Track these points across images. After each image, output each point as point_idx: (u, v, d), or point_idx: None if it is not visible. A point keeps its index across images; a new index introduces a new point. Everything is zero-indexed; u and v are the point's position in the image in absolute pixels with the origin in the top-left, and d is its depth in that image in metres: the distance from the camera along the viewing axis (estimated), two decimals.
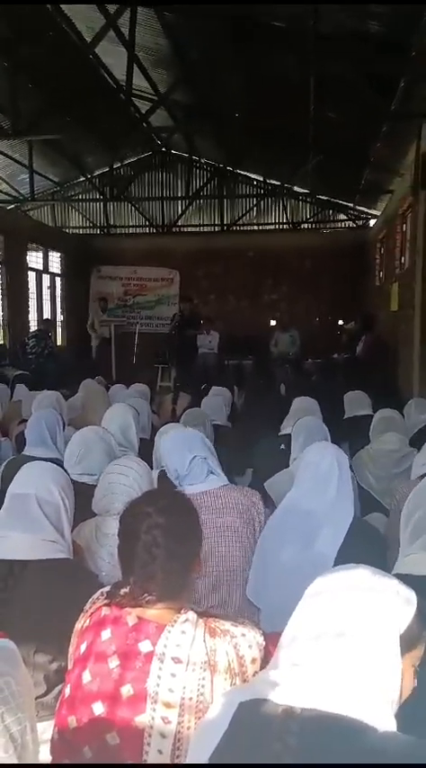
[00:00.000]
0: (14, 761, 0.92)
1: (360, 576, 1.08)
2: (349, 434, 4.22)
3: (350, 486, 2.32)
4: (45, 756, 1.42)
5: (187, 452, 2.50)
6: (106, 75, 9.89)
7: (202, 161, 13.38)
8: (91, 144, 11.62)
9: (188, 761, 1.12)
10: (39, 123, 8.54)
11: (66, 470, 2.29)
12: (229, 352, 12.27)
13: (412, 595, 1.08)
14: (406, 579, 1.66)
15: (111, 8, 6.99)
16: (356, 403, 4.79)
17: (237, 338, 12.71)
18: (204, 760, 1.02)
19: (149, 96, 9.78)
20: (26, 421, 4.04)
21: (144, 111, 9.73)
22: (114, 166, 12.18)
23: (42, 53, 8.37)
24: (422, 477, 2.43)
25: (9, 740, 0.94)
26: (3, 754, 0.93)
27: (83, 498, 2.09)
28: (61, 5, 7.85)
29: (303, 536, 2.15)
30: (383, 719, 0.99)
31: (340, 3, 5.40)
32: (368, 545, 2.16)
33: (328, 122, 8.60)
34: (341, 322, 12.14)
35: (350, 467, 3.07)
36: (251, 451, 4.11)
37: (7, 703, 0.95)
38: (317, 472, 2.29)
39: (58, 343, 12.77)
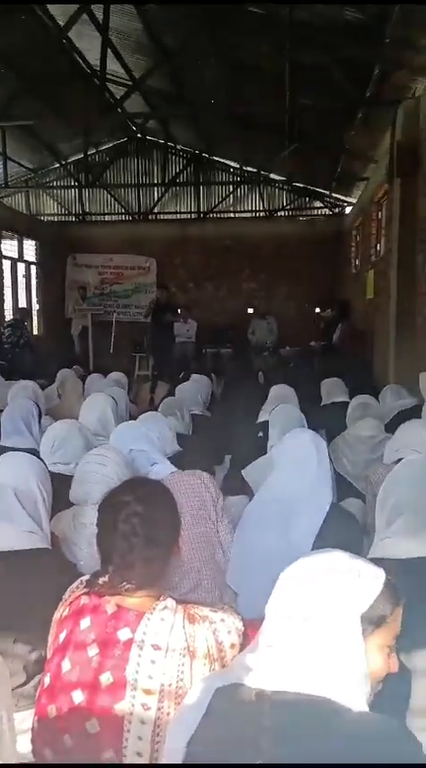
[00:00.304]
0: None
1: (327, 559, 1.11)
2: (326, 421, 4.24)
3: (328, 471, 2.35)
4: (25, 746, 1.43)
5: (124, 445, 2.56)
6: (80, 60, 9.75)
7: (178, 147, 13.28)
8: (65, 130, 11.44)
9: (166, 747, 1.13)
10: (13, 109, 8.41)
11: (42, 460, 2.27)
12: (207, 340, 12.27)
13: (378, 574, 1.10)
14: (381, 562, 1.70)
15: None
16: (333, 390, 4.82)
17: (215, 326, 12.73)
18: (182, 745, 1.04)
19: (124, 82, 9.67)
20: (2, 411, 4.01)
21: (119, 97, 9.61)
22: (89, 153, 12.03)
23: (15, 37, 8.21)
24: (397, 461, 2.46)
25: None
26: None
27: (59, 488, 2.08)
28: None
29: (281, 522, 2.17)
30: (353, 699, 1.02)
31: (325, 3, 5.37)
32: (345, 530, 2.18)
33: (304, 109, 8.58)
34: (318, 310, 12.20)
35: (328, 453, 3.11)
36: (229, 439, 4.13)
37: None
38: (295, 458, 2.31)
39: (35, 332, 12.64)
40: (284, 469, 2.33)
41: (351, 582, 1.07)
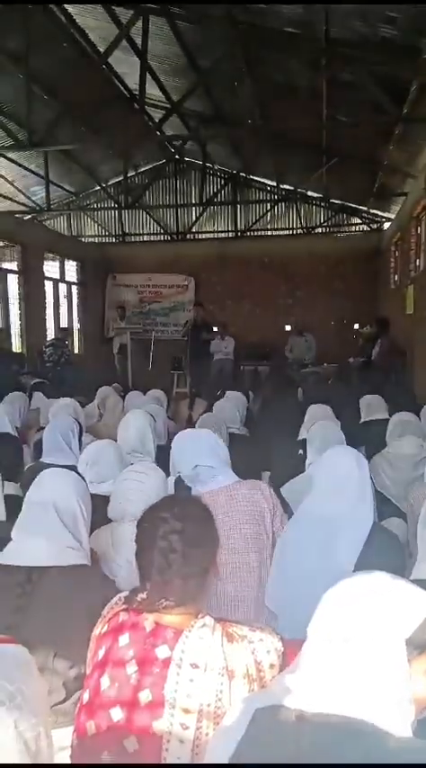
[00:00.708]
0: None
1: (372, 581, 1.09)
2: (365, 439, 4.19)
3: (370, 490, 2.30)
4: (64, 763, 1.43)
5: (190, 460, 2.53)
6: (119, 85, 9.99)
7: (216, 168, 13.43)
8: (105, 153, 11.72)
9: (205, 766, 1.12)
10: (55, 134, 8.63)
11: (83, 477, 2.30)
12: (245, 357, 12.27)
13: (424, 598, 1.08)
14: (424, 584, 1.66)
15: (124, 17, 7.07)
16: (372, 407, 4.76)
17: (253, 343, 12.72)
18: (222, 765, 1.03)
19: (162, 104, 9.85)
20: (44, 428, 4.08)
21: (157, 120, 9.80)
22: (128, 175, 12.26)
23: (56, 64, 8.47)
24: None
25: (24, 747, 0.94)
26: (17, 760, 0.93)
27: (95, 510, 2.10)
28: (75, 17, 7.95)
29: (321, 542, 2.13)
30: (396, 724, 0.99)
31: (350, 3, 5.38)
32: (387, 551, 2.14)
33: (340, 126, 8.60)
34: (357, 326, 12.10)
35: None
36: (267, 456, 4.10)
37: (20, 710, 0.95)
38: (335, 476, 2.27)
39: (75, 350, 12.86)
40: (324, 488, 2.29)
41: (397, 604, 1.05)
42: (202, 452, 2.52)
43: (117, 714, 1.32)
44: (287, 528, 2.31)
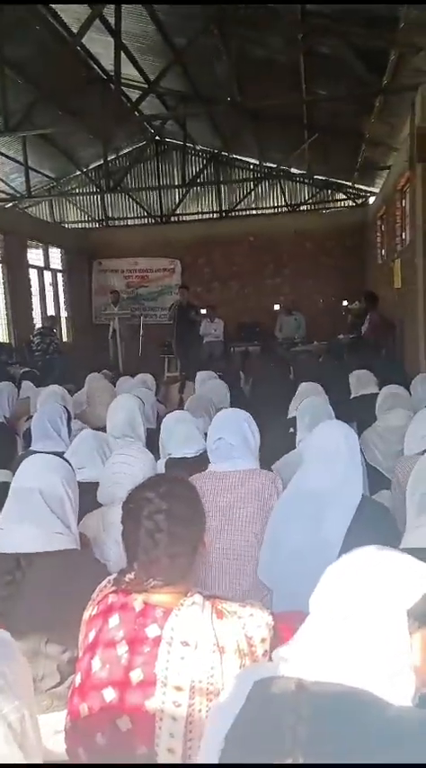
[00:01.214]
0: (16, 751, 0.92)
1: (373, 555, 1.09)
2: (356, 413, 4.19)
3: (359, 463, 2.30)
4: (59, 746, 1.43)
5: (217, 432, 2.56)
6: (95, 66, 9.84)
7: (197, 148, 13.30)
8: (84, 136, 11.57)
9: (203, 741, 1.12)
10: (32, 118, 8.51)
11: (69, 463, 2.28)
12: (235, 338, 12.26)
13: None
14: (414, 552, 1.66)
15: None
16: (362, 382, 4.76)
17: (242, 324, 12.70)
18: (221, 737, 1.03)
19: (139, 84, 9.71)
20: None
21: (135, 100, 9.67)
22: (109, 158, 12.12)
23: (30, 47, 8.32)
24: (423, 452, 2.42)
25: (8, 729, 0.94)
26: (3, 743, 0.93)
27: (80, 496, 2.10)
28: None
29: (311, 516, 2.14)
30: (397, 695, 1.00)
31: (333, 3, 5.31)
32: (377, 523, 2.14)
33: (320, 100, 8.52)
34: (345, 302, 12.09)
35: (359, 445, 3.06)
36: (260, 436, 4.10)
37: (3, 692, 0.95)
38: (325, 451, 2.27)
39: (64, 338, 12.79)
40: (313, 462, 2.29)
41: (398, 577, 1.05)
42: (229, 428, 2.54)
43: (109, 695, 1.32)
44: (277, 503, 2.32)
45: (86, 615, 1.48)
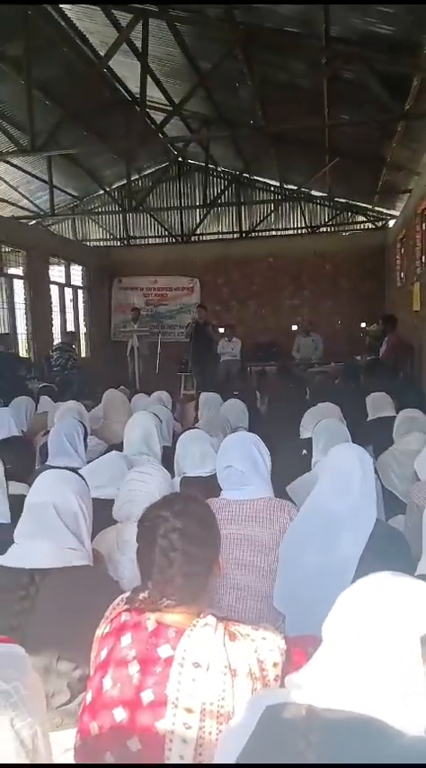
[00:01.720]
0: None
1: (387, 581, 1.08)
2: (373, 436, 4.17)
3: (373, 487, 2.28)
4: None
5: (226, 459, 2.52)
6: (121, 88, 10.02)
7: (219, 169, 13.44)
8: (108, 157, 11.75)
9: (215, 762, 1.12)
10: (57, 138, 8.66)
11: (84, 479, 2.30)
12: (252, 358, 12.27)
13: None
14: None
15: (123, 21, 7.08)
16: (379, 404, 4.73)
17: (260, 344, 12.71)
18: (231, 761, 1.03)
19: (164, 107, 9.87)
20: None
21: (159, 122, 9.82)
22: (132, 178, 12.29)
23: (57, 69, 8.50)
24: None
25: (20, 745, 0.94)
26: (14, 759, 0.92)
27: (97, 512, 2.10)
28: (75, 22, 7.98)
29: (325, 540, 2.12)
30: (408, 723, 0.98)
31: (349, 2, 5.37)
32: (391, 548, 2.12)
33: (343, 125, 8.59)
34: (363, 324, 12.06)
35: (375, 469, 3.04)
36: (274, 456, 4.08)
37: (16, 708, 0.95)
38: (339, 474, 2.26)
39: (82, 354, 12.89)
40: (327, 485, 2.28)
41: (413, 603, 1.04)
42: (238, 455, 2.49)
43: (120, 714, 1.32)
44: (291, 526, 2.30)
45: (99, 633, 1.48)
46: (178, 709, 1.29)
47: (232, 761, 1.03)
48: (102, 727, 1.32)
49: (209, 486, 2.99)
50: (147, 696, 1.31)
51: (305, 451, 3.62)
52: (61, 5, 7.56)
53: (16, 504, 2.20)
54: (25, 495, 2.40)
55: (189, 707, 1.29)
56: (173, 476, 3.07)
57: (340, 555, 2.03)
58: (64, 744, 1.53)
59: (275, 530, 2.35)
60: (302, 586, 2.07)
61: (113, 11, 7.16)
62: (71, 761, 1.41)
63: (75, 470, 2.43)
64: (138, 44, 7.12)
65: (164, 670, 1.32)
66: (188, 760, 1.26)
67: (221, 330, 11.78)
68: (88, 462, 3.56)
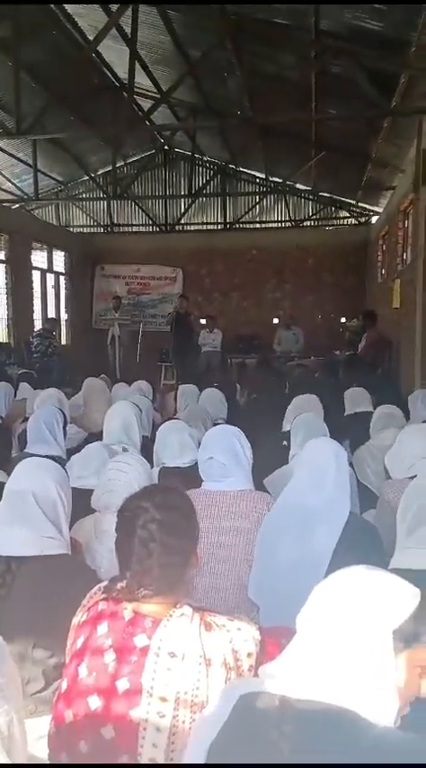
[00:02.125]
0: (3, 754, 0.93)
1: (361, 575, 1.10)
2: (350, 431, 4.22)
3: (347, 481, 2.32)
4: (42, 751, 1.44)
5: (207, 451, 2.54)
6: (109, 74, 9.92)
7: (205, 159, 13.38)
8: (94, 142, 11.64)
9: (187, 752, 1.14)
10: (43, 122, 8.54)
11: (65, 469, 2.30)
12: (232, 350, 12.28)
13: (415, 593, 1.09)
14: (404, 573, 1.67)
15: (113, 5, 7.00)
16: (357, 399, 4.78)
17: (241, 336, 12.73)
18: (204, 750, 1.04)
19: (152, 94, 9.79)
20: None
21: (146, 109, 9.74)
22: (117, 165, 12.20)
23: (45, 52, 8.39)
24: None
25: None
26: None
27: (79, 501, 2.10)
28: (64, 4, 7.87)
29: (299, 533, 2.15)
30: (379, 715, 1.01)
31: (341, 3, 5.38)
32: (364, 541, 2.16)
33: (329, 119, 8.60)
34: (343, 319, 12.14)
35: (351, 463, 3.08)
36: (252, 449, 4.11)
37: None
38: (315, 468, 2.29)
39: (62, 341, 12.80)
40: (302, 478, 2.31)
41: (386, 597, 1.06)
42: (220, 447, 2.52)
43: (94, 702, 1.33)
44: (267, 517, 2.33)
45: (75, 621, 1.49)
46: (153, 698, 1.30)
47: (204, 749, 1.04)
48: (77, 715, 1.33)
49: (188, 476, 3.01)
50: (123, 684, 1.32)
51: (285, 443, 3.65)
52: None
53: None
54: (3, 483, 2.40)
55: (163, 696, 1.30)
56: (151, 466, 3.08)
57: (314, 548, 2.06)
58: (38, 731, 1.54)
59: (252, 520, 2.38)
60: (276, 578, 2.10)
61: None
62: (44, 748, 1.42)
63: (54, 458, 2.43)
64: (128, 30, 7.05)
65: (140, 659, 1.33)
66: (161, 748, 1.28)
67: (202, 321, 11.77)
68: (67, 450, 3.56)
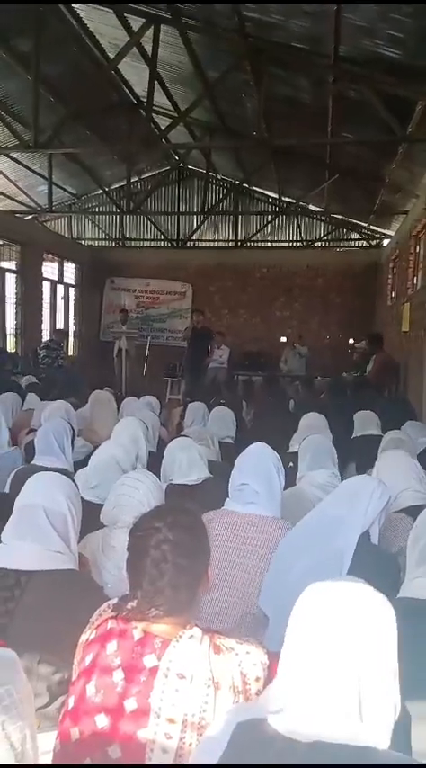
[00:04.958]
0: None
1: (347, 590, 1.07)
2: (357, 454, 4.21)
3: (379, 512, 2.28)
4: None
5: (243, 476, 2.48)
6: (127, 91, 10.04)
7: (218, 177, 13.49)
8: (109, 158, 11.76)
9: None
10: (60, 136, 8.65)
11: (74, 482, 2.30)
12: (239, 366, 12.31)
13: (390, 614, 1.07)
14: (412, 602, 1.67)
15: (135, 25, 7.11)
16: (365, 422, 4.78)
17: (248, 353, 12.76)
18: None
19: (169, 113, 9.90)
20: (35, 430, 4.07)
21: (163, 127, 9.84)
22: (131, 180, 12.32)
23: (65, 68, 8.50)
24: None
25: (10, 748, 0.95)
26: (4, 761, 0.93)
27: (89, 515, 2.10)
28: (86, 23, 8.00)
29: (317, 539, 2.14)
30: (373, 736, 0.99)
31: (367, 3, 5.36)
32: (380, 563, 2.15)
33: (345, 143, 8.67)
34: (351, 341, 12.16)
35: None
36: None
37: (8, 712, 0.96)
38: (354, 494, 2.26)
39: (70, 353, 12.85)
40: (335, 495, 2.31)
41: (391, 620, 1.05)
42: (255, 473, 2.47)
43: (102, 721, 1.32)
44: (287, 535, 2.31)
45: (84, 638, 1.48)
46: (160, 719, 1.30)
47: None
48: (83, 733, 1.33)
49: (195, 493, 3.01)
50: (130, 704, 1.32)
51: (291, 464, 3.64)
52: (73, 5, 7.57)
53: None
54: (5, 493, 2.40)
55: (171, 717, 1.30)
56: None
57: (331, 553, 2.04)
58: (41, 747, 1.53)
59: (267, 545, 2.34)
60: (287, 593, 2.07)
61: (125, 14, 7.18)
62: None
63: (62, 471, 2.44)
64: (148, 48, 7.15)
65: (149, 680, 1.33)
66: None
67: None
68: (74, 463, 3.56)
